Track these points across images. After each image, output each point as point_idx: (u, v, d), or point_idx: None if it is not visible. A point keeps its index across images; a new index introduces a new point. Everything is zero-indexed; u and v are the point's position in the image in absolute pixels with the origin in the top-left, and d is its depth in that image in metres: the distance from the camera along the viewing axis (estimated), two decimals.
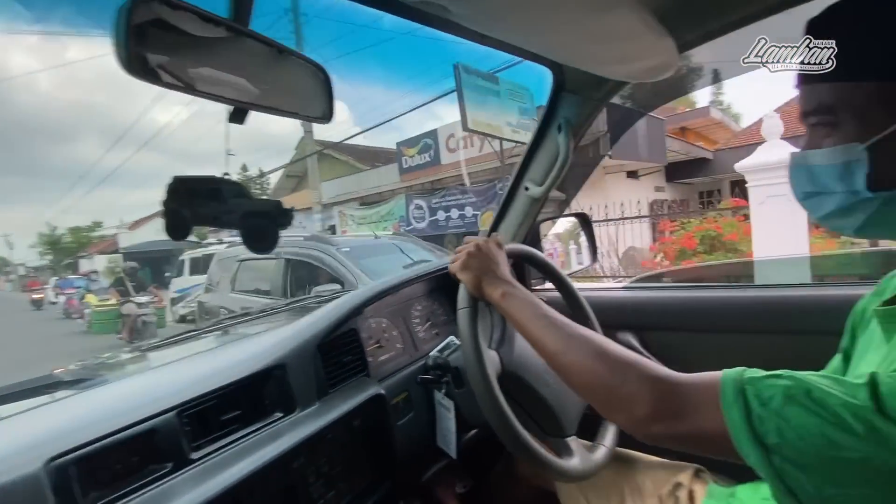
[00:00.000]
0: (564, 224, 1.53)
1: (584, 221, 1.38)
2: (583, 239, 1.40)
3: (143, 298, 6.96)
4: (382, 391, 0.82)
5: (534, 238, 1.31)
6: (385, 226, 10.56)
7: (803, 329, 0.91)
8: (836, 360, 0.66)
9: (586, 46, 0.76)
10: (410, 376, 0.92)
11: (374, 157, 13.39)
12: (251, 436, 0.67)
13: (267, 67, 0.56)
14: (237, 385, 0.69)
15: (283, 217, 0.72)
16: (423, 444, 0.95)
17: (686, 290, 1.13)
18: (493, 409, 0.66)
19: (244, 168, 28.99)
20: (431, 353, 0.84)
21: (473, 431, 0.96)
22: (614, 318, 1.11)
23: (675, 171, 10.44)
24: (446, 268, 0.82)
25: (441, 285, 1.16)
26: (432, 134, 9.78)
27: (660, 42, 0.73)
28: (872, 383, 0.34)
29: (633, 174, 9.91)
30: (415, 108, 13.54)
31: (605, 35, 0.71)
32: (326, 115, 0.60)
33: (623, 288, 1.25)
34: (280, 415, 0.72)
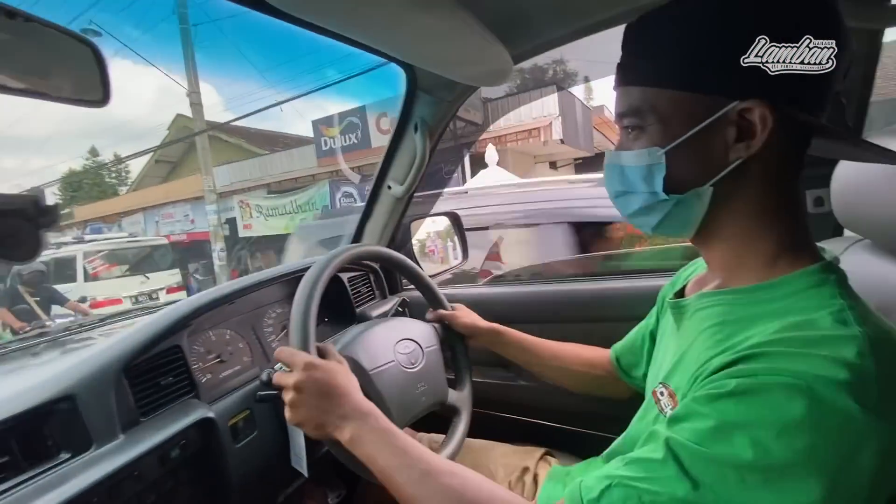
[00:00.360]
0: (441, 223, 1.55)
1: (455, 220, 1.40)
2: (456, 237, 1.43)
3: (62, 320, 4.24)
4: (211, 414, 0.73)
5: (403, 238, 1.30)
6: (304, 217, 9.25)
7: (630, 316, 1.03)
8: (641, 336, 0.75)
9: (425, 48, 0.75)
10: (254, 392, 0.84)
11: (271, 141, 12.22)
12: (26, 484, 0.55)
13: (31, 48, 0.45)
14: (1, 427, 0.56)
15: (44, 216, 0.58)
16: (273, 464, 0.88)
17: (537, 286, 1.21)
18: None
19: (93, 152, 24.55)
20: (267, 369, 0.77)
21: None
22: (478, 314, 1.14)
23: (582, 166, 10.11)
24: (305, 269, 0.76)
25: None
26: (359, 112, 8.48)
27: (493, 49, 0.75)
28: (675, 459, 0.35)
29: (553, 165, 9.76)
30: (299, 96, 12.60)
31: (440, 38, 0.71)
32: (102, 99, 0.50)
33: (484, 285, 1.30)
34: (68, 456, 0.60)
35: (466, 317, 0.93)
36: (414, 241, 1.35)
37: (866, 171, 0.52)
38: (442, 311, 0.94)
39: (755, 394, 0.34)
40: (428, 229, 1.40)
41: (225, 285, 0.89)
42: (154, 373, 0.73)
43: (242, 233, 10.62)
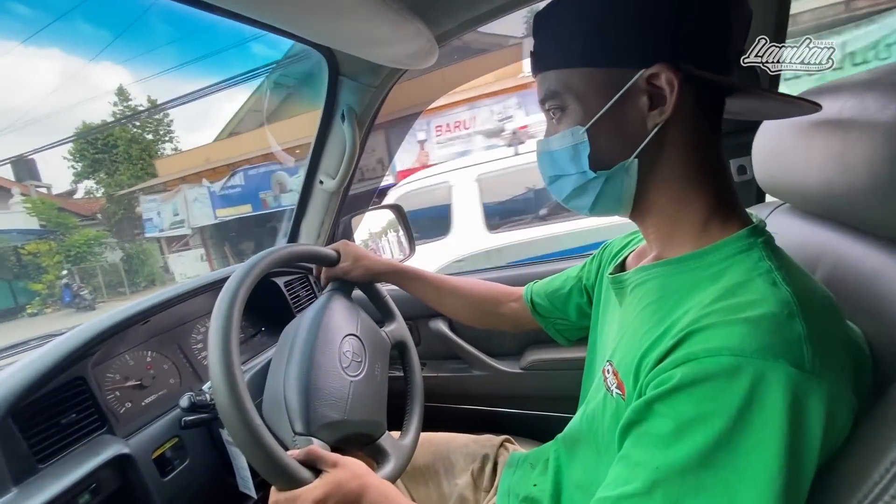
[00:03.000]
0: (382, 216, 1.49)
1: (399, 213, 1.35)
2: (400, 230, 1.38)
3: None
4: (127, 449, 0.65)
5: (344, 234, 1.23)
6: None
7: None
8: (569, 287, 0.74)
9: (338, 29, 0.69)
10: (181, 418, 0.76)
11: None
12: None
13: None
14: None
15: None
16: (213, 492, 0.81)
17: (479, 274, 1.19)
18: (242, 428, 0.52)
19: (122, 94, 17.81)
20: (188, 393, 0.69)
21: None
22: (425, 308, 1.11)
23: None
24: (227, 277, 0.66)
25: None
26: None
27: (411, 28, 0.71)
28: (654, 484, 0.35)
29: None
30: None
31: (353, 17, 0.66)
32: None
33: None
34: None
35: (358, 267, 0.84)
36: (357, 239, 1.29)
37: (784, 137, 0.53)
38: (331, 271, 0.85)
39: (701, 383, 0.34)
40: (370, 227, 1.33)
41: (137, 302, 0.79)
42: (52, 411, 0.64)
43: None
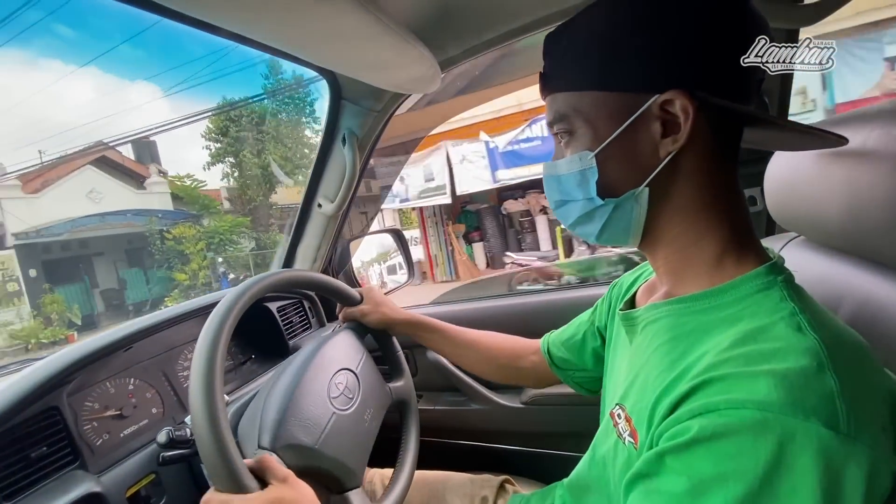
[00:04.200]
0: (379, 241, 1.47)
1: (398, 237, 1.33)
2: (398, 255, 1.36)
3: None
4: (98, 488, 0.61)
5: (342, 259, 1.21)
6: None
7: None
8: (582, 332, 0.71)
9: (342, 53, 0.69)
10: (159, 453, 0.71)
11: None
12: None
13: None
14: None
15: None
16: None
17: (479, 302, 1.16)
18: (206, 427, 0.49)
19: None
20: (167, 428, 0.65)
21: None
22: None
23: None
24: (215, 302, 0.63)
25: None
26: None
27: (415, 53, 0.70)
28: None
29: None
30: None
31: (357, 41, 0.65)
32: None
33: (430, 304, 1.24)
34: None
35: (376, 313, 0.83)
36: (355, 263, 1.26)
37: (797, 167, 0.51)
38: (350, 311, 0.84)
39: (721, 438, 0.31)
40: (353, 249, 1.28)
41: (120, 328, 0.76)
42: (21, 444, 0.59)
43: None
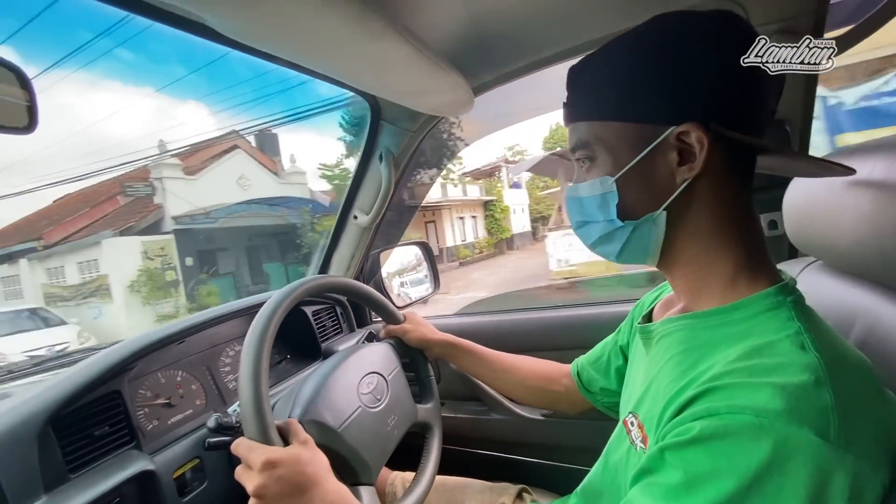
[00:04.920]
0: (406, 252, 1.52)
1: (425, 249, 1.38)
2: (424, 267, 1.40)
3: None
4: (151, 466, 0.67)
5: (372, 268, 1.27)
6: None
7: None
8: (607, 352, 0.74)
9: (384, 79, 0.75)
10: (204, 440, 0.77)
11: None
12: None
13: None
14: None
15: None
16: None
17: (504, 315, 1.19)
18: (248, 389, 0.57)
19: None
20: (216, 414, 0.71)
21: None
22: None
23: None
24: (262, 303, 0.70)
25: None
26: None
27: (451, 80, 0.76)
28: None
29: None
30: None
31: (398, 69, 0.71)
32: (28, 126, 0.47)
33: (455, 315, 1.28)
34: None
35: (416, 331, 0.90)
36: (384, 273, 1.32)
37: (812, 193, 0.53)
38: (392, 327, 0.91)
39: (719, 438, 0.33)
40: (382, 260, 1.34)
41: (175, 323, 0.83)
42: (87, 422, 0.66)
43: None
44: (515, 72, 0.89)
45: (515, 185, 24.59)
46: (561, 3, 0.73)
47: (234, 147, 11.62)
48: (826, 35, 0.69)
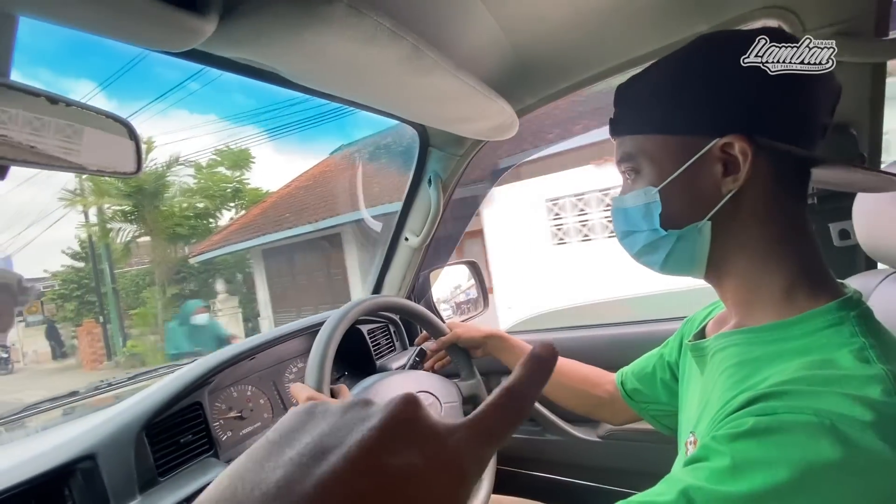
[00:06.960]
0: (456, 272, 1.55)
1: (474, 268, 1.41)
2: (473, 285, 1.43)
3: None
4: None
5: (422, 288, 1.31)
6: None
7: None
8: (652, 364, 0.72)
9: (432, 109, 0.80)
10: None
11: None
12: None
13: (72, 128, 0.52)
14: (22, 487, 0.57)
15: (23, 294, 0.68)
16: None
17: (562, 332, 1.18)
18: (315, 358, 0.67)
19: None
20: None
21: None
22: (497, 363, 1.12)
23: None
24: (323, 322, 0.77)
25: None
26: None
27: (496, 106, 0.79)
28: (688, 501, 0.33)
29: None
30: None
31: (446, 99, 0.76)
32: (135, 171, 0.56)
33: (530, 331, 1.28)
34: None
35: (465, 332, 0.91)
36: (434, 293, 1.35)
37: (883, 201, 0.51)
38: (444, 338, 0.92)
39: (775, 432, 0.32)
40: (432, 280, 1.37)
41: (247, 340, 0.91)
42: (174, 431, 0.74)
43: None
44: (557, 93, 0.91)
45: None
46: (601, 25, 0.75)
47: None
48: (892, 34, 0.66)
